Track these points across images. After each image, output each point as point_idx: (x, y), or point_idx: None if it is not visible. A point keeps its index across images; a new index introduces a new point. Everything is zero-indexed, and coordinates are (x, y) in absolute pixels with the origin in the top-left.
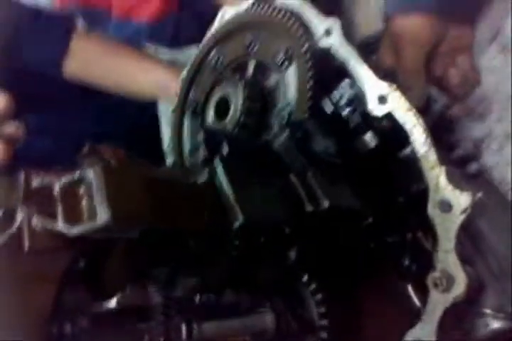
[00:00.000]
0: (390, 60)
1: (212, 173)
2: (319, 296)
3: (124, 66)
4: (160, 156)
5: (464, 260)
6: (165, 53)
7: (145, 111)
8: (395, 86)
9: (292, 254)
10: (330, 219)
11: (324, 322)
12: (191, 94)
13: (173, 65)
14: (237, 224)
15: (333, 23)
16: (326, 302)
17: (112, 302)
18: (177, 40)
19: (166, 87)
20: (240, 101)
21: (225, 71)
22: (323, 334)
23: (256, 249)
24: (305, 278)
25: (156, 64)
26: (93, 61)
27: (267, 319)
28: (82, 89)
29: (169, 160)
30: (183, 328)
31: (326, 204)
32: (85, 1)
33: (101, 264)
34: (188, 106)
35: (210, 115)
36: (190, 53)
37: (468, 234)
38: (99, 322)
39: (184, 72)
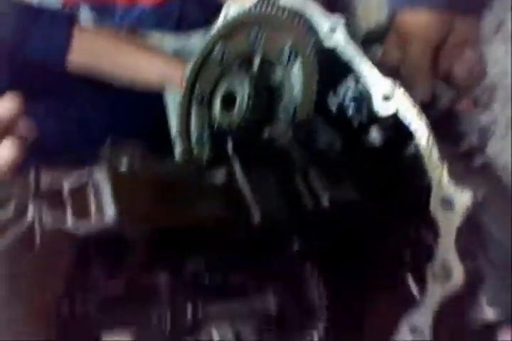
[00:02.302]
0: (396, 56)
1: (231, 173)
2: (320, 278)
3: (129, 57)
4: (169, 146)
5: (464, 252)
6: (171, 41)
7: (156, 102)
8: (399, 83)
9: (295, 246)
10: (331, 215)
11: (324, 303)
12: (197, 86)
13: (178, 55)
14: (254, 222)
15: (338, 21)
16: (327, 284)
17: (121, 283)
18: (182, 24)
19: (170, 76)
20: (246, 97)
21: (231, 65)
22: (323, 316)
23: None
24: (307, 265)
25: (160, 54)
26: (97, 53)
27: (269, 301)
28: (92, 80)
29: (178, 148)
30: (189, 309)
31: (325, 202)
32: None
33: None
34: (195, 97)
35: (217, 107)
36: (196, 43)
37: (470, 227)
38: (107, 302)
39: (190, 64)
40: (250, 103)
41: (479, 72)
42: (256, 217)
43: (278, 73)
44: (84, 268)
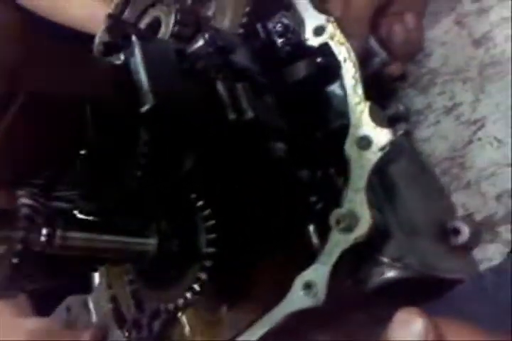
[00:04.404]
0: (338, 6)
1: (129, 56)
2: (211, 223)
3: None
4: None
5: (374, 206)
6: None
7: None
8: (333, 18)
9: (189, 162)
10: (247, 133)
11: (211, 250)
12: (125, 14)
13: None
14: (146, 107)
15: None
16: (217, 230)
17: None
18: None
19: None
20: (171, 25)
21: None
22: (208, 263)
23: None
24: (199, 201)
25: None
26: None
27: (149, 241)
28: None
29: None
30: (44, 232)
31: (250, 115)
32: None
33: None
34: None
35: None
36: None
37: (383, 185)
38: None
39: None
40: (175, 30)
41: (416, 40)
42: (150, 101)
43: (211, 6)
44: None
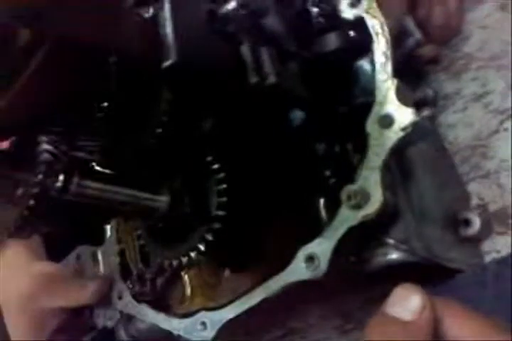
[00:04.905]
0: None
1: (158, 10)
2: (223, 186)
3: None
4: None
5: (388, 187)
6: None
7: None
8: None
9: (208, 124)
10: (268, 98)
11: (221, 212)
12: None
13: None
14: (168, 62)
15: None
16: (228, 194)
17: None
18: None
19: None
20: None
21: None
22: (216, 225)
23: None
24: (215, 164)
25: None
26: None
27: (161, 199)
28: None
29: None
30: (60, 178)
31: (272, 79)
32: None
33: None
34: None
35: None
36: None
37: (400, 166)
38: None
39: None
40: None
41: (455, 25)
42: (172, 57)
43: None
44: None
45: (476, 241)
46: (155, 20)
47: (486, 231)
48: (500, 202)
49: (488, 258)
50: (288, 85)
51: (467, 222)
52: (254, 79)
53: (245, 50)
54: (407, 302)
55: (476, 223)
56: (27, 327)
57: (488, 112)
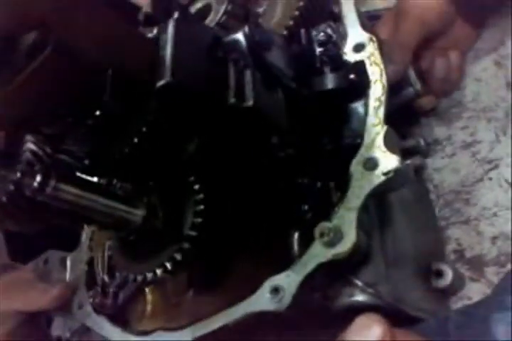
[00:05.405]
0: (386, 31)
1: (161, 31)
2: (200, 207)
3: None
4: None
5: (363, 228)
6: None
7: None
8: (375, 38)
9: (192, 146)
10: (245, 120)
11: (193, 233)
12: None
13: None
14: (162, 82)
15: None
16: (204, 215)
17: None
18: None
19: None
20: (220, 13)
21: None
22: (186, 245)
23: (168, 122)
24: (196, 185)
25: None
26: None
27: (137, 212)
28: None
29: None
30: (38, 179)
31: (250, 102)
32: None
33: None
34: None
35: None
36: None
37: (379, 209)
38: None
39: None
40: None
41: (455, 80)
42: (167, 77)
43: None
44: None
45: (446, 293)
46: (157, 42)
47: (458, 284)
48: (477, 249)
49: (459, 305)
50: (267, 111)
51: (439, 273)
52: (232, 99)
53: (231, 71)
54: (367, 332)
55: (449, 275)
56: None
57: (475, 160)
